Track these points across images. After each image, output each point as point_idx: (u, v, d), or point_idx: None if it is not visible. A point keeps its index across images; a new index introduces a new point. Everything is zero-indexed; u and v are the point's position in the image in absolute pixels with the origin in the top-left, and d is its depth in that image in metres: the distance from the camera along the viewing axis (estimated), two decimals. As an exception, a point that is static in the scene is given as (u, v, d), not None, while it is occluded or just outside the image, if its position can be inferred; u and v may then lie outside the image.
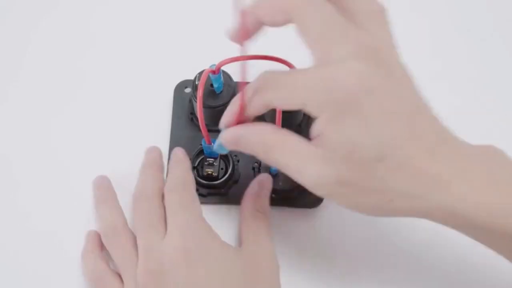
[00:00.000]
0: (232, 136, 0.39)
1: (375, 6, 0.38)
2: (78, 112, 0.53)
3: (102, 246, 0.46)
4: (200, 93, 0.42)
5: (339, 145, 0.34)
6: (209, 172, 0.47)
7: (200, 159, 0.48)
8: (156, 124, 0.52)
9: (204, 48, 0.55)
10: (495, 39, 0.56)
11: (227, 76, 0.48)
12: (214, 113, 0.48)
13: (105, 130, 0.52)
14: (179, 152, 0.47)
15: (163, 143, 0.50)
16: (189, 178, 0.45)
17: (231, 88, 0.47)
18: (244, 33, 0.37)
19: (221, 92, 0.47)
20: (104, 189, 0.48)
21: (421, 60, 0.54)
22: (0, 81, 0.54)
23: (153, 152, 0.49)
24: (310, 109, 0.35)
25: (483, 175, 0.36)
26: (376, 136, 0.34)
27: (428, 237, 0.46)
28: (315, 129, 0.35)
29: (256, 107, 0.38)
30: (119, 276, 0.44)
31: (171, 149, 0.49)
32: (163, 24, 0.57)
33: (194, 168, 0.48)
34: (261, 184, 0.46)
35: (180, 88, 0.52)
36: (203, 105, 0.44)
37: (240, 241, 0.45)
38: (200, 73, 0.48)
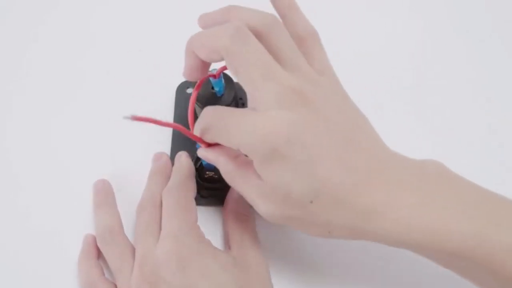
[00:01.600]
0: (204, 156, 0.42)
1: (310, 29, 0.40)
2: (78, 113, 0.53)
3: (98, 252, 0.46)
4: (192, 98, 0.43)
5: (275, 187, 0.37)
6: (210, 175, 0.47)
7: (201, 161, 0.48)
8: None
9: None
10: (494, 40, 0.57)
11: (228, 79, 0.48)
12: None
13: (106, 131, 0.52)
14: (183, 157, 0.47)
15: (165, 144, 0.50)
16: (188, 184, 0.46)
17: (232, 91, 0.47)
18: (195, 71, 0.40)
19: (222, 95, 0.47)
20: (103, 194, 0.48)
21: (420, 61, 0.55)
22: (0, 81, 0.54)
23: (160, 159, 0.49)
24: (244, 153, 0.37)
25: (418, 195, 0.37)
26: (305, 179, 0.36)
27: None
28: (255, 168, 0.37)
29: (207, 141, 0.41)
30: (114, 284, 0.44)
31: (173, 149, 0.50)
32: (165, 23, 0.56)
33: (195, 170, 0.48)
34: None
35: (182, 88, 0.52)
36: (203, 107, 0.44)
37: (227, 245, 0.46)
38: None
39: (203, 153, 0.42)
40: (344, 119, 0.38)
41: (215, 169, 0.48)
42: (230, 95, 0.47)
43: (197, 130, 0.41)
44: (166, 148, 0.50)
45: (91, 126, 0.52)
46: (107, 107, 0.53)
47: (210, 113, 0.39)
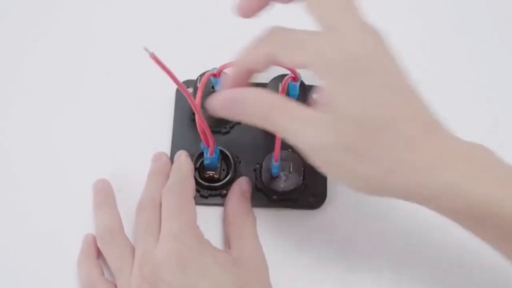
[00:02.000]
0: (225, 98, 0.38)
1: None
2: (79, 113, 0.52)
3: (98, 252, 0.46)
4: (199, 96, 0.42)
5: (349, 107, 0.34)
6: (211, 174, 0.47)
7: (201, 161, 0.48)
8: (158, 124, 0.51)
9: (207, 48, 0.55)
10: (494, 40, 0.57)
11: (228, 78, 0.48)
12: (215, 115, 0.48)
13: (106, 131, 0.52)
14: (183, 156, 0.47)
15: (165, 144, 0.50)
16: (187, 183, 0.46)
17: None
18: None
19: (222, 94, 0.47)
20: (103, 194, 0.48)
21: (420, 61, 0.55)
22: (0, 82, 0.54)
23: (160, 159, 0.49)
24: (317, 69, 0.34)
25: (481, 161, 0.36)
26: (385, 103, 0.34)
27: (427, 238, 0.47)
28: (321, 93, 0.35)
29: (258, 58, 0.37)
30: (114, 284, 0.44)
31: (173, 149, 0.50)
32: (166, 23, 0.56)
33: (195, 169, 0.48)
34: (242, 187, 0.47)
35: (182, 88, 0.52)
36: (203, 106, 0.44)
37: (227, 244, 0.45)
38: (202, 75, 0.48)
39: (222, 95, 0.38)
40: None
41: (215, 169, 0.48)
42: (230, 94, 0.47)
43: (254, 41, 0.38)
44: (166, 148, 0.50)
45: (91, 126, 0.52)
46: (107, 107, 0.53)
47: (276, 27, 0.37)
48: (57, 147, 0.51)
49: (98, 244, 0.46)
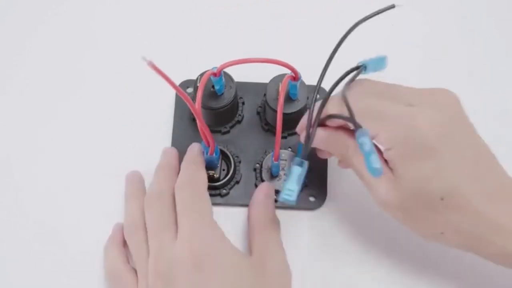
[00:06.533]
0: (323, 135, 0.42)
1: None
2: (79, 113, 0.53)
3: (125, 241, 0.46)
4: (199, 96, 0.42)
5: (409, 180, 0.38)
6: (211, 174, 0.47)
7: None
8: (158, 124, 0.52)
9: (207, 48, 0.55)
10: (497, 39, 0.56)
11: (228, 77, 0.48)
12: (215, 115, 0.48)
13: (107, 130, 0.52)
14: (195, 148, 0.47)
15: (165, 143, 0.50)
16: (200, 177, 0.45)
17: (232, 90, 0.47)
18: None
19: (222, 94, 0.47)
20: (134, 186, 0.48)
21: (422, 61, 0.55)
22: (1, 84, 0.54)
23: (169, 154, 0.48)
24: (382, 140, 0.39)
25: None
26: (445, 178, 0.38)
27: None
28: (387, 156, 0.39)
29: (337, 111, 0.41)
30: (136, 273, 0.43)
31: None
32: (166, 23, 0.56)
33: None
34: (265, 193, 0.46)
35: (182, 87, 0.52)
36: (203, 106, 0.44)
37: (250, 251, 0.45)
38: (202, 75, 0.48)
39: (322, 134, 0.42)
40: (476, 133, 0.41)
41: (215, 168, 0.48)
42: (230, 93, 0.47)
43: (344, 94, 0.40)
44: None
45: (91, 126, 0.52)
46: (107, 107, 0.53)
47: (364, 98, 0.40)
48: (57, 147, 0.51)
49: (124, 234, 0.46)
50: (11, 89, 0.54)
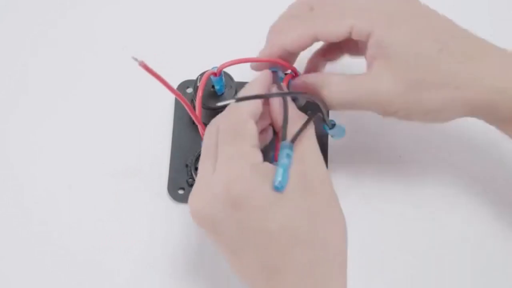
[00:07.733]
0: (311, 80, 0.43)
1: None
2: (79, 113, 0.53)
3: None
4: (199, 95, 0.42)
5: (404, 46, 0.39)
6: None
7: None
8: (158, 124, 0.52)
9: (207, 48, 0.55)
10: (495, 39, 0.56)
11: (228, 77, 0.48)
12: (215, 115, 0.48)
13: (107, 131, 0.52)
14: (268, 75, 0.42)
15: (165, 143, 0.50)
16: (254, 107, 0.39)
17: (232, 90, 0.47)
18: None
19: (222, 94, 0.47)
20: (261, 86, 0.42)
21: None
22: (1, 84, 0.54)
23: (265, 75, 0.42)
24: (361, 27, 0.39)
25: None
26: (431, 32, 0.40)
27: (428, 237, 0.47)
28: (371, 50, 0.40)
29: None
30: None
31: (173, 149, 0.50)
32: (166, 23, 0.56)
33: (195, 169, 0.48)
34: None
35: (182, 88, 0.52)
36: (203, 106, 0.44)
37: (280, 137, 0.39)
38: (202, 75, 0.48)
39: (312, 78, 0.43)
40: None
41: None
42: (230, 93, 0.47)
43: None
44: (166, 148, 0.50)
45: (91, 126, 0.52)
46: (107, 108, 0.53)
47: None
48: (57, 147, 0.51)
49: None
50: (11, 89, 0.54)
